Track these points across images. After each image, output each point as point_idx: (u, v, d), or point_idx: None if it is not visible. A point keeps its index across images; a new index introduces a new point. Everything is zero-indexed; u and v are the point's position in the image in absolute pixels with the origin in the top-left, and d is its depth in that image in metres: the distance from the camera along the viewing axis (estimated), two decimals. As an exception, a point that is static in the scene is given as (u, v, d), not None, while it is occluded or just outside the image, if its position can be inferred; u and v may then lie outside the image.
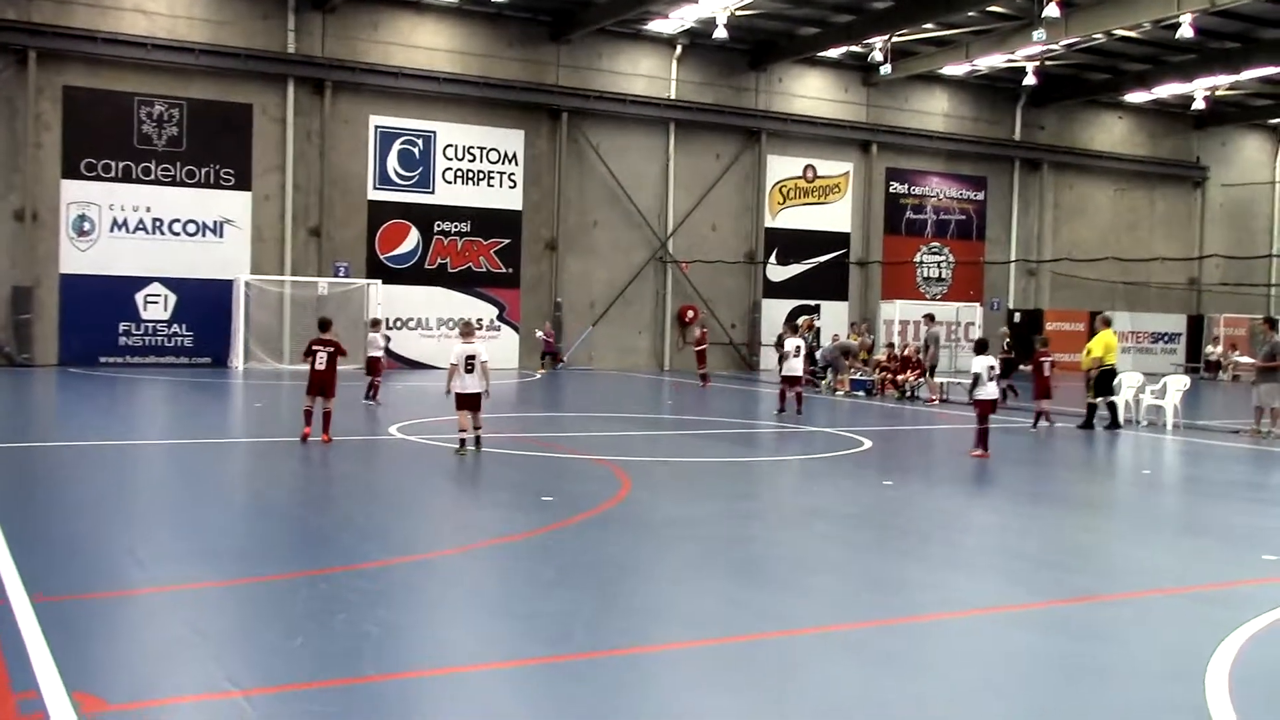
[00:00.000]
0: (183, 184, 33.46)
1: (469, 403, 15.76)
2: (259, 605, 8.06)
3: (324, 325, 17.34)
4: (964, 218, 46.70)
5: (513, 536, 10.66)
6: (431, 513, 12.27)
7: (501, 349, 36.76)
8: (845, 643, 7.50)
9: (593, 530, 10.99)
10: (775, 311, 41.30)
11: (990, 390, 17.55)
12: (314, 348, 16.72)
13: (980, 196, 46.98)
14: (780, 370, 24.66)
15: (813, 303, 43.05)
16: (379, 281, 35.09)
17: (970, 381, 18.02)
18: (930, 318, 30.59)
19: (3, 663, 6.35)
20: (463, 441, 15.72)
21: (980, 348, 18.26)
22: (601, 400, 28.01)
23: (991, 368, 17.74)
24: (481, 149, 37.58)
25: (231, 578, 8.75)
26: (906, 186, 45.37)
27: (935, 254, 46.24)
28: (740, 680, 6.67)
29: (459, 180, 37.35)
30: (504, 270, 38.18)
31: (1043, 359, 21.97)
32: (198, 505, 12.18)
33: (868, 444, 18.74)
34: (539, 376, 33.71)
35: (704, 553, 10.21)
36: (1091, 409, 22.08)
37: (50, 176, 31.99)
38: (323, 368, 16.49)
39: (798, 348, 23.70)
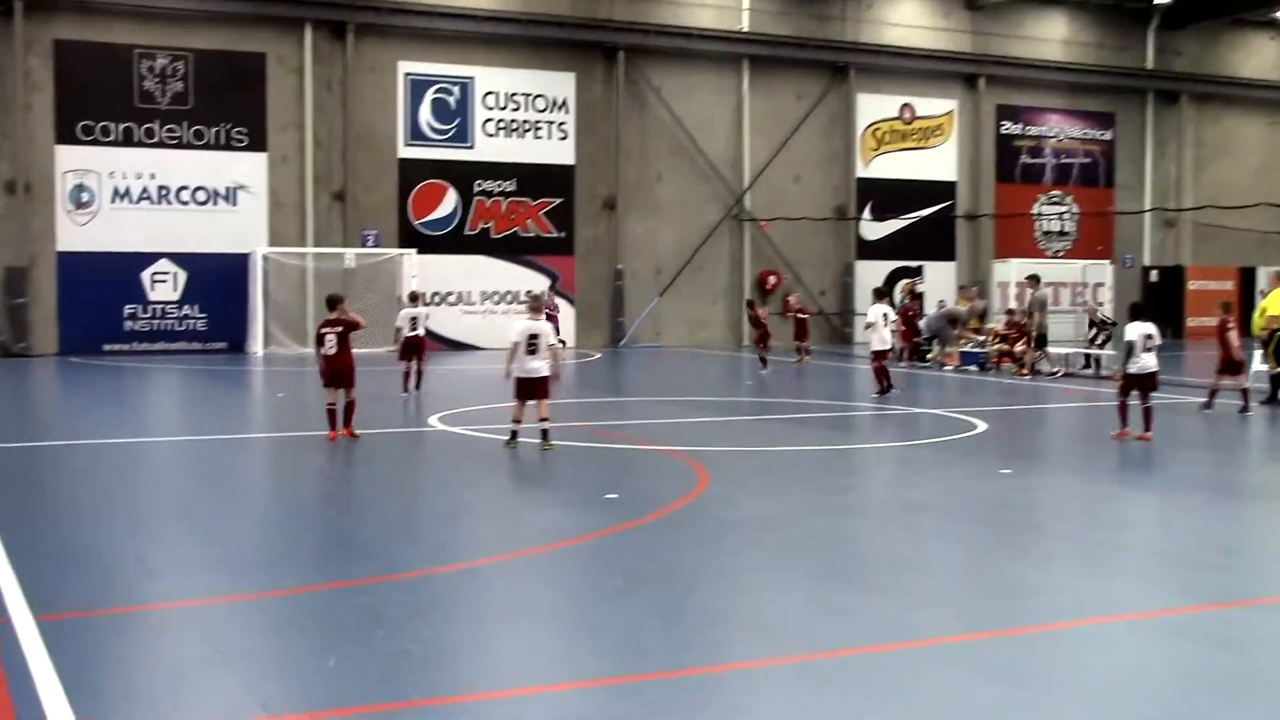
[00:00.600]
0: (190, 146, 33.89)
1: (530, 389, 15.42)
2: (287, 621, 8.17)
3: (332, 303, 16.89)
4: (1089, 161, 46.06)
5: (573, 540, 10.71)
6: (480, 514, 12.35)
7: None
8: (961, 655, 7.45)
9: (665, 531, 11.01)
10: (870, 275, 40.97)
11: (1147, 362, 16.94)
12: (322, 331, 16.49)
13: (1108, 136, 46.29)
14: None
15: (914, 264, 42.72)
16: (413, 251, 35.32)
17: (1124, 352, 17.47)
18: (1034, 279, 30.25)
19: (5, 688, 6.50)
20: (514, 434, 15.48)
21: (1136, 313, 17.57)
22: (672, 382, 28.02)
23: (1149, 336, 16.97)
24: (527, 96, 37.64)
25: (256, 590, 8.88)
26: (1021, 126, 44.81)
27: (1056, 204, 45.67)
28: (839, 701, 6.65)
29: (502, 132, 37.46)
30: (555, 234, 38.28)
31: (1228, 328, 20.92)
32: (216, 509, 12.37)
33: (982, 426, 18.60)
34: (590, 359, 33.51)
35: (794, 554, 10.19)
36: (1276, 381, 21.51)
37: (43, 142, 32.54)
38: (334, 352, 16.21)
39: (885, 315, 23.40)
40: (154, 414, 21.14)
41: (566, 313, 37.67)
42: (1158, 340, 17.09)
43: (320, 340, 16.42)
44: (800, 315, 33.58)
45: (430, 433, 17.98)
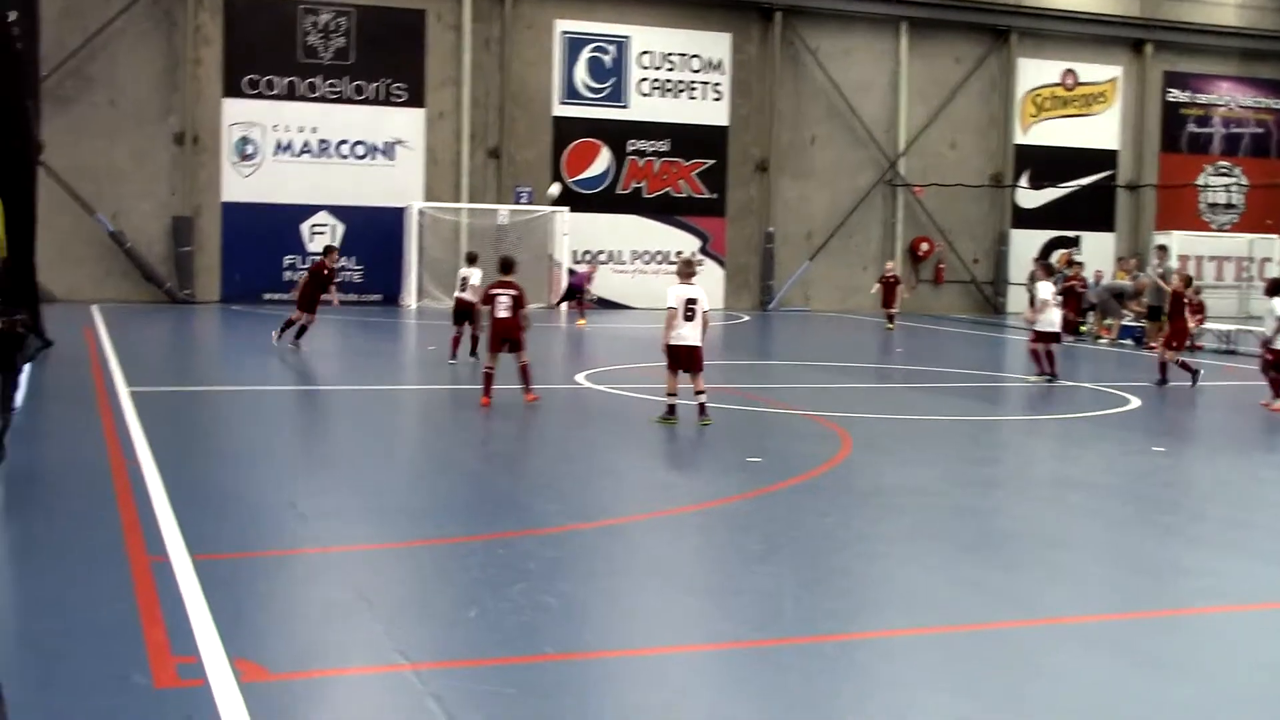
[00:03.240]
0: (350, 101, 34.56)
1: (684, 359, 14.63)
2: (430, 570, 8.37)
3: (506, 265, 16.33)
4: (1261, 131, 44.51)
5: (713, 502, 10.76)
6: (621, 473, 12.47)
7: (706, 287, 36.67)
8: (1099, 636, 7.33)
9: (806, 497, 11.00)
10: (1026, 244, 40.31)
11: None
12: (494, 292, 15.74)
13: (1282, 105, 44.71)
14: (1034, 322, 20.85)
15: (1072, 234, 41.86)
16: (566, 209, 35.58)
17: (1276, 327, 17.46)
18: (1163, 249, 29.37)
19: (163, 624, 6.78)
20: (671, 408, 14.55)
21: (1276, 288, 17.78)
22: (819, 347, 27.88)
23: None
24: (682, 56, 37.60)
25: (400, 539, 9.10)
26: (1189, 94, 43.47)
27: (1224, 175, 44.26)
28: (972, 676, 6.61)
29: (656, 92, 37.48)
30: (707, 195, 38.24)
31: None
32: (364, 458, 12.69)
33: (1135, 402, 18.20)
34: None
35: (935, 526, 10.12)
36: None
37: (211, 95, 33.48)
38: (508, 315, 15.58)
39: (1056, 294, 21.56)
40: (310, 363, 21.64)
41: (716, 274, 37.70)
42: None
43: (491, 300, 15.69)
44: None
45: (577, 390, 18.16)
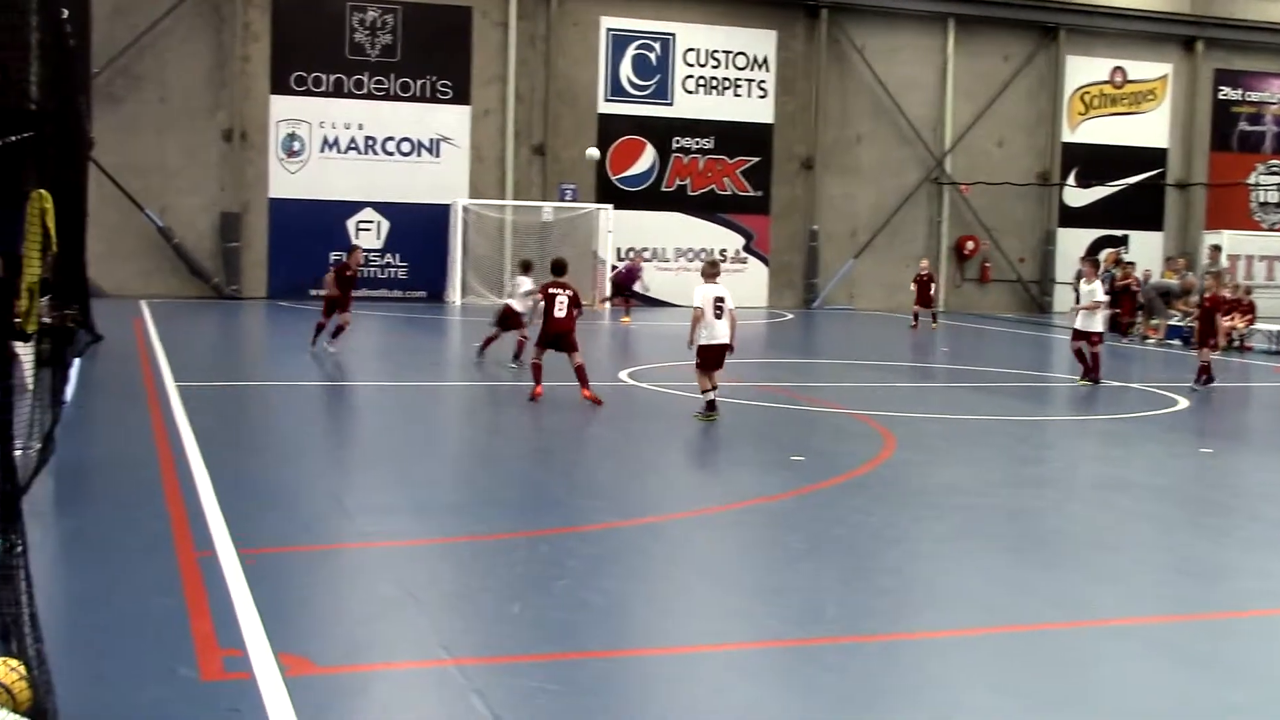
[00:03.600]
0: (397, 98, 34.71)
1: (717, 357, 14.84)
2: (473, 566, 8.38)
3: (559, 267, 16.43)
4: (1314, 129, 44.06)
5: (756, 500, 10.75)
6: (664, 470, 12.47)
7: (749, 285, 36.83)
8: (1147, 638, 7.28)
9: (849, 496, 10.97)
10: (1073, 243, 39.98)
11: None
12: (553, 291, 15.79)
13: (1336, 103, 44.19)
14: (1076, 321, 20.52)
15: (1120, 233, 41.49)
16: (610, 206, 35.61)
17: None
18: (1217, 249, 29.05)
19: (210, 618, 6.83)
20: (711, 404, 14.59)
21: None
22: (863, 345, 27.79)
23: None
24: (727, 53, 37.54)
25: (445, 535, 9.13)
26: (1240, 92, 43.00)
27: (1275, 174, 43.77)
28: (1017, 677, 6.57)
29: (701, 90, 37.44)
30: (752, 193, 38.17)
31: None
32: (409, 454, 12.75)
33: (1183, 403, 18.04)
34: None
35: (979, 526, 10.06)
36: None
37: (259, 92, 33.70)
38: (563, 315, 15.65)
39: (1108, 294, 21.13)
40: (354, 359, 21.77)
41: (759, 272, 37.68)
42: None
43: (550, 300, 15.70)
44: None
45: (620, 388, 18.16)
